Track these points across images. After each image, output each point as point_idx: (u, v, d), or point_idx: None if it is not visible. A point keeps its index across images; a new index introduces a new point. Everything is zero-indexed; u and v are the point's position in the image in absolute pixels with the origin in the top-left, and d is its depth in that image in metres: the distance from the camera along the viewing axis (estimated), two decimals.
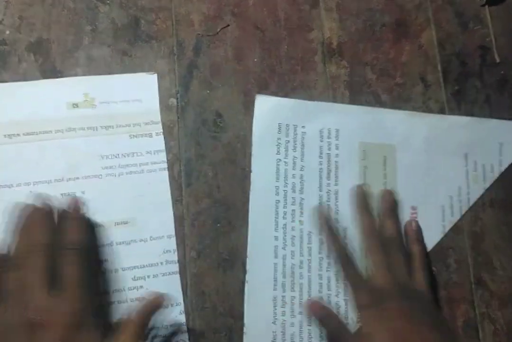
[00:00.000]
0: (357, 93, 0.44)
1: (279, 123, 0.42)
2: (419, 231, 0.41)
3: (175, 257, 0.39)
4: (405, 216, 0.42)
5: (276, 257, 0.40)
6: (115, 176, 0.39)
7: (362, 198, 0.41)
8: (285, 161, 0.41)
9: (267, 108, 0.42)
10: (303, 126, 0.42)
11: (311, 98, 0.43)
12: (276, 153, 0.41)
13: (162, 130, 0.41)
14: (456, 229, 0.42)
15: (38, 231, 0.34)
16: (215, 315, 0.39)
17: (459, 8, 0.47)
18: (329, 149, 0.42)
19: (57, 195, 0.38)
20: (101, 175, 0.39)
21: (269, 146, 0.42)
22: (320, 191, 0.41)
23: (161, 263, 0.39)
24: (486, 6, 0.47)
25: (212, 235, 0.40)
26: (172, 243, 0.39)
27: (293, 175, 0.41)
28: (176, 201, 0.40)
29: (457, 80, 0.45)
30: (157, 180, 0.40)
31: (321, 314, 0.38)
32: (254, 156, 0.41)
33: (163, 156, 0.40)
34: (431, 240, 0.42)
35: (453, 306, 0.41)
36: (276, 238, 0.40)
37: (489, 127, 0.44)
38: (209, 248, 0.40)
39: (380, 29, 0.45)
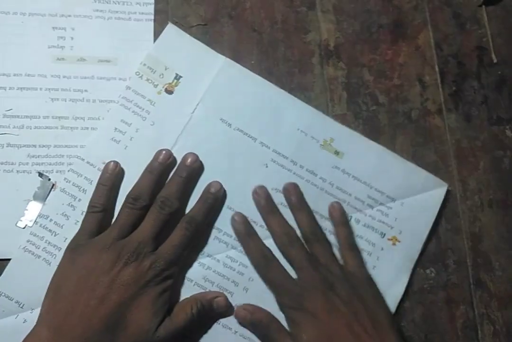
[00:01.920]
0: (355, 95, 0.44)
1: None
2: (343, 212, 0.41)
3: None
4: None
5: None
6: (104, 18, 0.43)
7: (263, 199, 0.40)
8: None
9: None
10: None
11: (308, 100, 0.43)
12: None
13: None
14: (455, 229, 0.42)
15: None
16: None
17: (456, 9, 0.47)
18: None
19: (49, 28, 0.42)
20: (91, 16, 0.43)
21: None
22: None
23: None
24: (483, 7, 0.47)
25: None
26: None
27: None
28: None
29: (455, 81, 0.45)
30: (142, 28, 0.43)
31: (249, 314, 0.38)
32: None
33: (151, 8, 0.43)
34: None
35: (452, 307, 0.41)
36: None
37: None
38: None
39: (377, 31, 0.45)
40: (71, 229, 0.38)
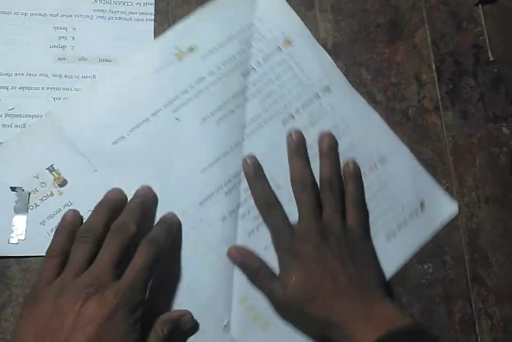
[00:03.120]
0: None
1: None
2: (356, 170, 0.41)
3: None
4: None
5: None
6: (105, 18, 0.43)
7: (295, 143, 0.41)
8: None
9: None
10: None
11: None
12: None
13: None
14: (452, 225, 0.43)
15: (129, 215, 0.36)
16: None
17: (452, 8, 0.47)
18: None
19: (50, 27, 0.42)
20: (92, 16, 0.43)
21: None
22: None
23: None
24: (480, 5, 0.47)
25: None
26: None
27: None
28: None
29: (451, 79, 0.46)
30: (143, 28, 0.43)
31: (241, 256, 0.39)
32: None
33: (151, 8, 0.44)
34: None
35: (450, 302, 0.42)
36: None
37: None
38: None
39: (374, 30, 0.46)
40: None
